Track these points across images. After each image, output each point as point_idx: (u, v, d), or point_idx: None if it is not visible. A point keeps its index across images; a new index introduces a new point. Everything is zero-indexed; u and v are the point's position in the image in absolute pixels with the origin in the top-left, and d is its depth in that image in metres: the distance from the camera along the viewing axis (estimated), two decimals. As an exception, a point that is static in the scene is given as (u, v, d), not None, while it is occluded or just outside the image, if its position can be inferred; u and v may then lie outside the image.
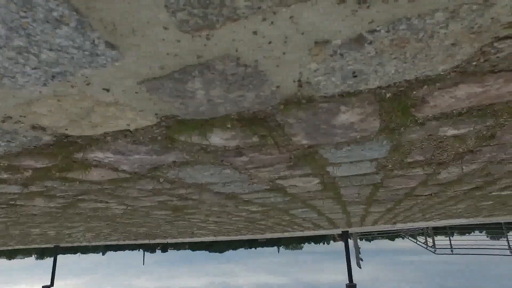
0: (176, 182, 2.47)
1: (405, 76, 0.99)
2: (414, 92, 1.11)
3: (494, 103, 1.24)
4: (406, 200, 4.32)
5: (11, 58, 0.78)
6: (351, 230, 12.54)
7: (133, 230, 8.25)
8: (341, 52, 0.84)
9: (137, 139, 1.45)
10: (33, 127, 1.23)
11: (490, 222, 12.36)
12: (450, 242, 17.09)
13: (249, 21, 0.70)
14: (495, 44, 0.85)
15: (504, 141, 1.80)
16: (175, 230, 9.15)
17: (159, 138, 1.44)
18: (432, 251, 17.71)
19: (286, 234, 14.81)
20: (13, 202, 3.07)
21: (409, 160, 2.14)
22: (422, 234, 18.88)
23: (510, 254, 15.32)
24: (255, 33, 0.74)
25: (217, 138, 1.46)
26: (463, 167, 2.42)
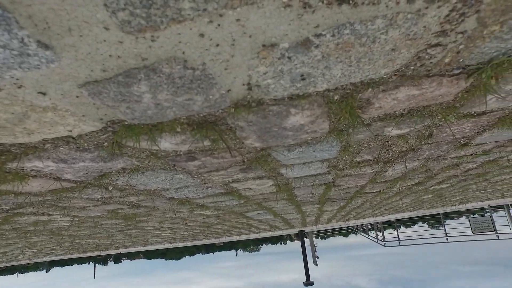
0: (126, 190, 2.35)
1: (351, 79, 1.03)
2: (360, 95, 1.16)
3: (430, 104, 1.33)
4: (357, 198, 4.53)
5: None
6: (306, 229, 12.86)
7: (82, 242, 7.74)
8: (289, 55, 0.85)
9: (81, 146, 1.36)
10: (-44, 136, 1.10)
11: (430, 213, 13.42)
12: (398, 234, 18.22)
13: (195, 23, 0.69)
14: (428, 50, 0.91)
15: (440, 139, 1.95)
16: (128, 239, 8.74)
17: (106, 144, 1.36)
18: (382, 244, 18.75)
19: (243, 237, 14.81)
20: None
21: (358, 159, 2.24)
22: (373, 229, 19.90)
23: (446, 241, 16.81)
24: (202, 35, 0.73)
25: (167, 143, 1.41)
26: (407, 164, 2.59)
